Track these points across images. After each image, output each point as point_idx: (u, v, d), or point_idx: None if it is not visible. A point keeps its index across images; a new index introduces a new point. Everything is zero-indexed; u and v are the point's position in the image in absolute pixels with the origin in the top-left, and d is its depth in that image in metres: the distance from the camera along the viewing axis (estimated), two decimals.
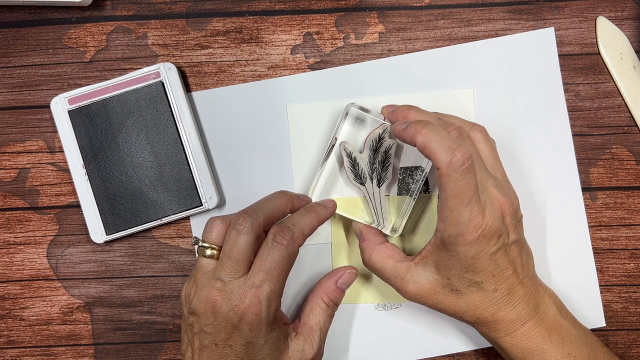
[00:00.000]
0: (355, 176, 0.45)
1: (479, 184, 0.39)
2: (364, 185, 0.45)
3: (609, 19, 0.48)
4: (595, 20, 0.48)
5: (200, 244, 0.41)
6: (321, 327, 0.43)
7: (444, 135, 0.38)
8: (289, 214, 0.43)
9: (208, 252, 0.41)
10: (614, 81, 0.47)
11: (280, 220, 0.42)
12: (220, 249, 0.41)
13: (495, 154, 0.44)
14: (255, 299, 0.39)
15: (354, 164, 0.45)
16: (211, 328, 0.40)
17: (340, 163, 0.45)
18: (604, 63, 0.48)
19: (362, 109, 0.45)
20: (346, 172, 0.45)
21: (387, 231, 0.45)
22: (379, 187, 0.45)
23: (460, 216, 0.38)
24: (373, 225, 0.45)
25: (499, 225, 0.39)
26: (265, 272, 0.39)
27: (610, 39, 0.48)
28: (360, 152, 0.45)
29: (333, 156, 0.45)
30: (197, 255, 0.42)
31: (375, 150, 0.45)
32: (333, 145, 0.45)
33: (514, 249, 0.40)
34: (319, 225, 0.43)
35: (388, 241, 0.44)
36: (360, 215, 0.46)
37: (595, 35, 0.48)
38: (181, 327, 0.44)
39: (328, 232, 0.48)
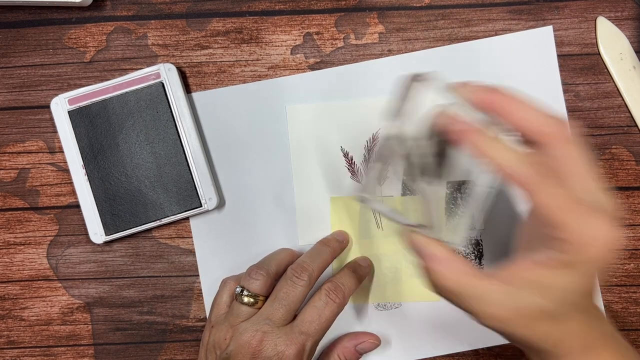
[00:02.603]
0: (422, 172, 0.36)
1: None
2: (427, 181, 0.36)
3: (609, 19, 0.48)
4: (595, 20, 0.48)
5: (244, 292, 0.42)
6: None
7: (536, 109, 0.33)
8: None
9: (249, 299, 0.42)
10: (613, 81, 0.47)
11: (330, 278, 0.44)
12: (263, 299, 0.42)
13: None
14: (301, 347, 0.40)
15: (418, 156, 0.36)
16: None
17: (391, 157, 0.37)
18: (604, 63, 0.48)
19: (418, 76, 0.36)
20: (408, 168, 0.36)
21: (447, 238, 0.35)
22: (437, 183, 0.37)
23: (600, 221, 0.31)
24: (428, 232, 0.36)
25: None
26: (317, 323, 0.41)
27: (610, 39, 0.48)
28: (422, 141, 0.36)
29: (382, 150, 0.38)
30: (235, 300, 0.43)
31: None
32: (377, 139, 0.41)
33: None
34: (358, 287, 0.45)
35: (453, 252, 0.35)
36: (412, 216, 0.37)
37: (595, 35, 0.48)
38: None
39: (328, 232, 0.48)
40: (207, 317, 0.44)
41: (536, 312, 0.32)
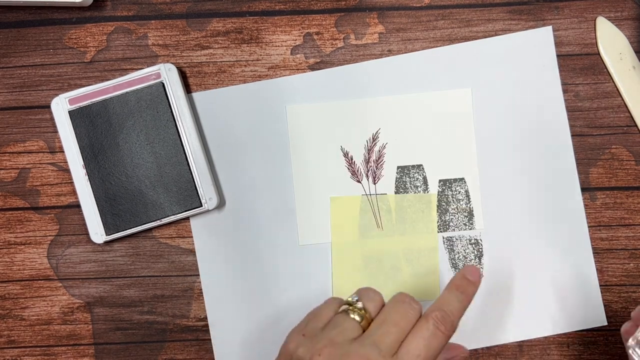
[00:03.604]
0: None
1: None
2: None
3: (609, 19, 0.48)
4: (595, 20, 0.48)
5: (359, 304, 0.37)
6: None
7: None
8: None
9: (360, 314, 0.37)
10: (613, 81, 0.48)
11: (438, 305, 0.38)
12: (370, 320, 0.37)
13: None
14: None
15: None
16: None
17: None
18: (604, 63, 0.48)
19: None
20: None
21: None
22: None
23: None
24: None
25: None
26: (424, 356, 0.36)
27: (609, 39, 0.48)
28: None
29: None
30: (342, 312, 0.38)
31: None
32: None
33: None
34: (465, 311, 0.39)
35: None
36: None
37: (595, 35, 0.48)
38: None
39: (328, 232, 0.48)
40: (299, 324, 0.39)
41: None
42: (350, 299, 0.38)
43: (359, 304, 0.38)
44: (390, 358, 0.35)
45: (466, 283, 0.39)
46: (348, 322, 0.36)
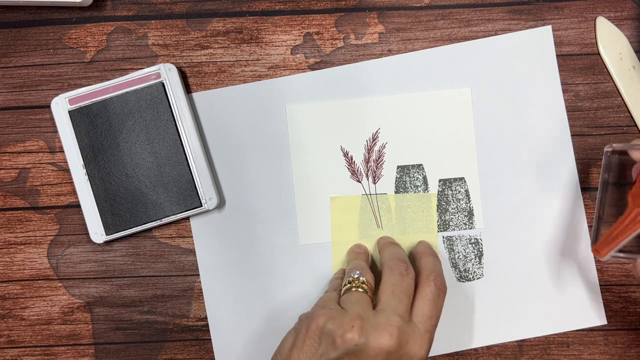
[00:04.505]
0: None
1: None
2: None
3: (609, 19, 0.48)
4: (595, 20, 0.48)
5: (362, 278, 0.40)
6: None
7: None
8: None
9: (365, 287, 0.40)
10: (613, 81, 0.48)
11: (429, 268, 0.42)
12: (372, 289, 0.40)
13: None
14: (429, 346, 0.38)
15: None
16: None
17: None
18: (604, 63, 0.48)
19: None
20: None
21: None
22: None
23: None
24: None
25: None
26: (436, 318, 0.39)
27: (609, 39, 0.48)
28: None
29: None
30: (347, 290, 0.40)
31: None
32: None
33: None
34: None
35: None
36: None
37: (595, 35, 0.48)
38: (293, 354, 0.38)
39: (328, 232, 0.48)
40: (313, 307, 0.41)
41: None
42: (353, 277, 0.41)
43: (362, 278, 0.40)
44: (411, 324, 0.38)
45: (429, 245, 0.45)
46: (361, 296, 0.39)
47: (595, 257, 0.47)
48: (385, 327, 0.37)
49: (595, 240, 0.40)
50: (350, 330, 0.37)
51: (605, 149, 0.41)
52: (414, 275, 0.41)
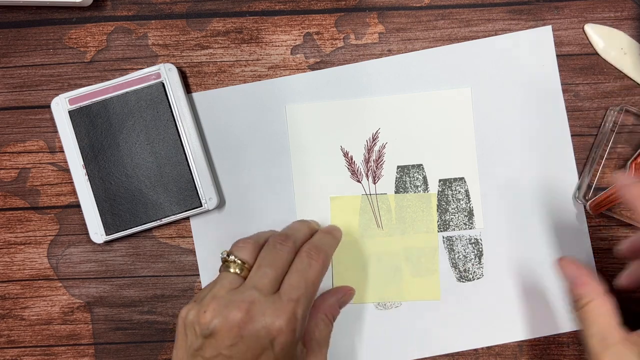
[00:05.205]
0: None
1: None
2: None
3: (609, 19, 0.48)
4: (583, 29, 0.47)
5: (231, 257, 0.39)
6: (327, 342, 0.42)
7: None
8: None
9: (235, 267, 0.39)
10: (629, 78, 0.47)
11: (309, 242, 0.42)
12: (249, 267, 0.39)
13: None
14: (292, 315, 0.37)
15: None
16: (234, 350, 0.36)
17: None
18: (611, 65, 0.47)
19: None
20: None
21: None
22: None
23: None
24: None
25: None
26: (304, 287, 0.38)
27: (604, 40, 0.47)
28: None
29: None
30: (221, 271, 0.40)
31: None
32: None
33: None
34: (336, 248, 0.44)
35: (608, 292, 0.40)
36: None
37: (590, 43, 0.48)
38: (174, 354, 0.39)
39: None
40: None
41: None
42: (222, 255, 0.40)
43: (231, 257, 0.39)
44: (272, 296, 0.37)
45: (332, 228, 0.45)
46: (227, 277, 0.38)
47: (594, 257, 0.47)
48: (235, 303, 0.36)
49: (579, 187, 0.46)
50: (203, 315, 0.37)
51: (616, 109, 0.44)
52: (294, 248, 0.40)
